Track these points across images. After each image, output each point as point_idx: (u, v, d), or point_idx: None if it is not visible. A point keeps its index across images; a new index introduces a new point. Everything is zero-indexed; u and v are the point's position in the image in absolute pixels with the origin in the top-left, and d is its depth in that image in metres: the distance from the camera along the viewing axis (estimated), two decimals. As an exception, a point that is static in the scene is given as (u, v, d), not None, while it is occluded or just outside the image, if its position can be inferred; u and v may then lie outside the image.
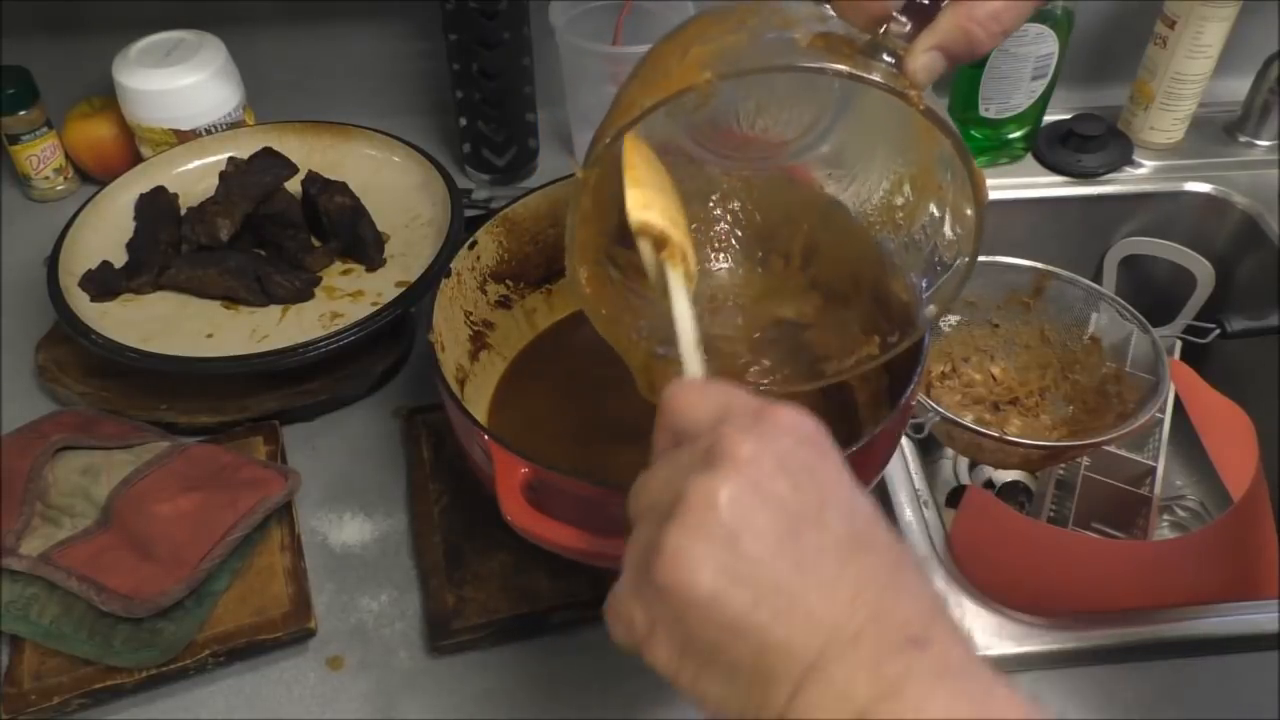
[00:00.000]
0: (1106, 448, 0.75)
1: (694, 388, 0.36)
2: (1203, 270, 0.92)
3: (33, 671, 0.55)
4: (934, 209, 0.50)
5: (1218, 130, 0.97)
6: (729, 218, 0.59)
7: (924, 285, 0.51)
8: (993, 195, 1.00)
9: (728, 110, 0.54)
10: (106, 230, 0.77)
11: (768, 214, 0.59)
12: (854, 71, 0.40)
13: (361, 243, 0.74)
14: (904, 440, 0.69)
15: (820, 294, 0.58)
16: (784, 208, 0.58)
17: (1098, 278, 0.97)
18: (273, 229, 0.75)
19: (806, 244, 0.58)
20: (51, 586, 0.57)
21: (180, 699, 0.57)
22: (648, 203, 0.45)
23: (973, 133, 0.91)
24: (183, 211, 0.77)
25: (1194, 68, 0.89)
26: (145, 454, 0.63)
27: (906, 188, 0.52)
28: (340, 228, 0.75)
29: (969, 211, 0.46)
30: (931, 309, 0.51)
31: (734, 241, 0.60)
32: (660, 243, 0.45)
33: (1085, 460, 0.79)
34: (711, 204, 0.59)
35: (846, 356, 0.55)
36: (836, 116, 0.53)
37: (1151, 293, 0.96)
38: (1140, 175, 0.94)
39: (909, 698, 0.29)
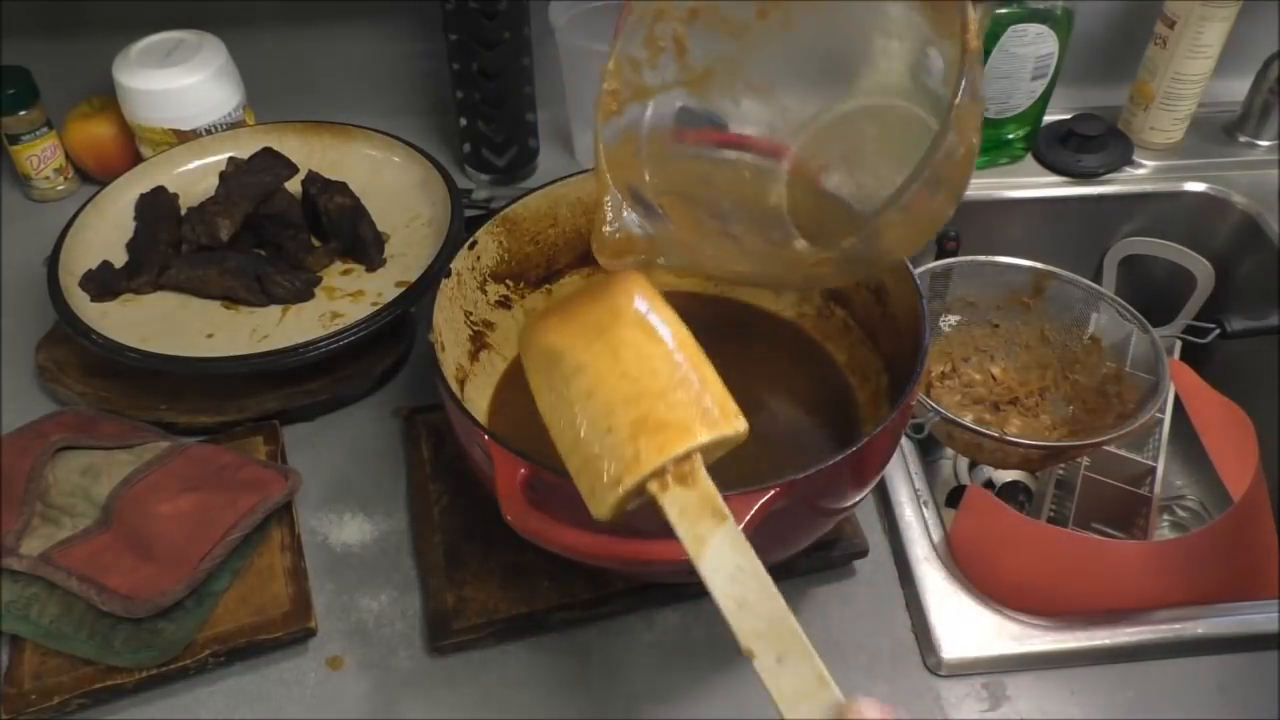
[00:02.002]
0: (1106, 448, 0.75)
1: None
2: (1202, 270, 0.92)
3: (33, 671, 0.55)
4: None
5: (1218, 130, 0.97)
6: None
7: None
8: (993, 195, 1.01)
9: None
10: (106, 230, 0.77)
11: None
12: None
13: (361, 243, 0.74)
14: (904, 440, 0.69)
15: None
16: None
17: (1098, 278, 0.97)
18: (273, 229, 0.75)
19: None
20: (51, 586, 0.57)
21: (180, 699, 0.57)
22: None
23: (973, 133, 0.91)
24: (183, 211, 0.77)
25: (1194, 68, 0.89)
26: (145, 454, 0.63)
27: None
28: (340, 228, 0.75)
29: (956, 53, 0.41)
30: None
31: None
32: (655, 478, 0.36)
33: (1085, 460, 0.79)
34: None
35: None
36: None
37: (1151, 293, 0.96)
38: (1140, 175, 0.94)
39: None
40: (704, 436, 0.36)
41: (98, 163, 0.89)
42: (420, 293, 0.70)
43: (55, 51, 0.90)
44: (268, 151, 0.78)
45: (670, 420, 0.37)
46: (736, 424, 0.38)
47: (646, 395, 0.37)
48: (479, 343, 0.64)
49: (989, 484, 0.86)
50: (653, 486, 0.36)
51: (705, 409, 0.38)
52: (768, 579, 0.33)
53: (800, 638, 0.32)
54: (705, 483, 0.36)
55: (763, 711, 0.56)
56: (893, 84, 0.51)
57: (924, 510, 0.65)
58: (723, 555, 0.34)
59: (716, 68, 0.55)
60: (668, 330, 0.40)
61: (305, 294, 0.72)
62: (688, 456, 0.36)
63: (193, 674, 0.57)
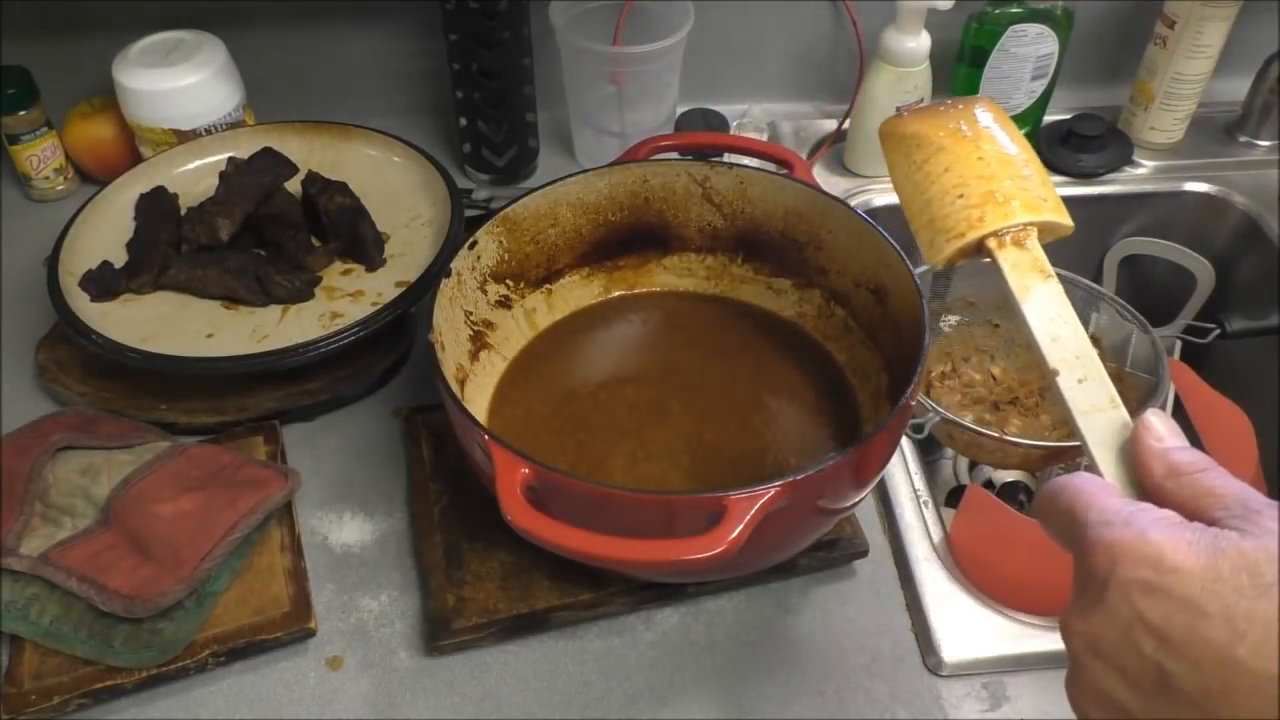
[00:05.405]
0: (1106, 448, 0.75)
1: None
2: (1203, 270, 0.92)
3: (33, 671, 0.55)
4: None
5: (1218, 130, 0.97)
6: None
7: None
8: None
9: None
10: (106, 230, 0.77)
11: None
12: None
13: (361, 243, 0.74)
14: (904, 440, 0.69)
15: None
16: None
17: (1098, 278, 0.97)
18: (273, 229, 0.75)
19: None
20: (51, 586, 0.57)
21: (180, 699, 0.57)
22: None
23: (973, 133, 0.91)
24: (183, 211, 0.77)
25: (1194, 68, 0.89)
26: (145, 454, 0.63)
27: None
28: (340, 228, 0.75)
29: None
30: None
31: None
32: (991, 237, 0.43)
33: (1085, 460, 0.78)
34: None
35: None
36: None
37: (1151, 293, 0.96)
38: (1140, 175, 0.94)
39: None
40: (1043, 216, 0.44)
41: (98, 163, 0.89)
42: (420, 293, 0.70)
43: (55, 51, 0.90)
44: (268, 151, 0.78)
45: (1015, 196, 0.44)
46: (1067, 218, 0.45)
47: (997, 177, 0.45)
48: (479, 343, 0.64)
49: (989, 484, 0.86)
50: (991, 243, 0.43)
51: (1044, 199, 0.44)
52: (1081, 329, 0.40)
53: (1102, 371, 0.38)
54: (1037, 249, 0.43)
55: (762, 711, 0.56)
56: None
57: (924, 510, 0.65)
58: (1045, 302, 0.41)
59: None
60: (1016, 144, 0.47)
61: (305, 294, 0.72)
62: (1025, 227, 0.43)
63: (193, 674, 0.57)
